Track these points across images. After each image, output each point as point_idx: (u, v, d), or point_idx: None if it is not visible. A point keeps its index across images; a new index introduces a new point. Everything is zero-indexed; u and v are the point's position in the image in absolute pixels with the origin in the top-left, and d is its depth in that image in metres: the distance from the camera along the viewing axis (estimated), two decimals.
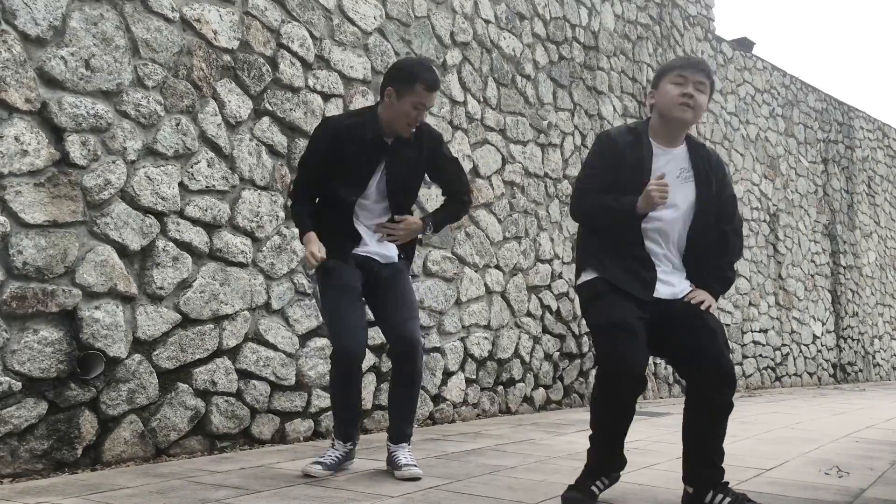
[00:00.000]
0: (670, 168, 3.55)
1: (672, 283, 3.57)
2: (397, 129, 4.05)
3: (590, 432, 3.61)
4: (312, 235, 4.04)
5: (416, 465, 4.03)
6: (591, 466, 3.59)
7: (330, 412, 5.50)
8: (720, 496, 3.42)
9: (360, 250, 4.12)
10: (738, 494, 3.44)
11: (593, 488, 3.55)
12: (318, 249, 3.95)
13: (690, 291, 3.58)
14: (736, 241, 3.74)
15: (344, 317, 4.00)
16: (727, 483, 3.50)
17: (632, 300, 3.46)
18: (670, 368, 9.61)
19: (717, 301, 3.59)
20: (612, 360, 3.39)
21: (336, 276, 4.05)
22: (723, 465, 3.51)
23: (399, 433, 4.16)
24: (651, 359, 8.86)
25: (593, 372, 8.32)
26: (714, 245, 3.65)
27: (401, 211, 4.19)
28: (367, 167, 4.06)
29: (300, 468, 4.14)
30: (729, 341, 11.03)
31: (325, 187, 4.12)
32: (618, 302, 3.46)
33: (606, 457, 3.58)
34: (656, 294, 3.51)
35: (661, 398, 9.28)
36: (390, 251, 4.19)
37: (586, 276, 3.60)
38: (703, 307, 3.52)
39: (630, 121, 9.29)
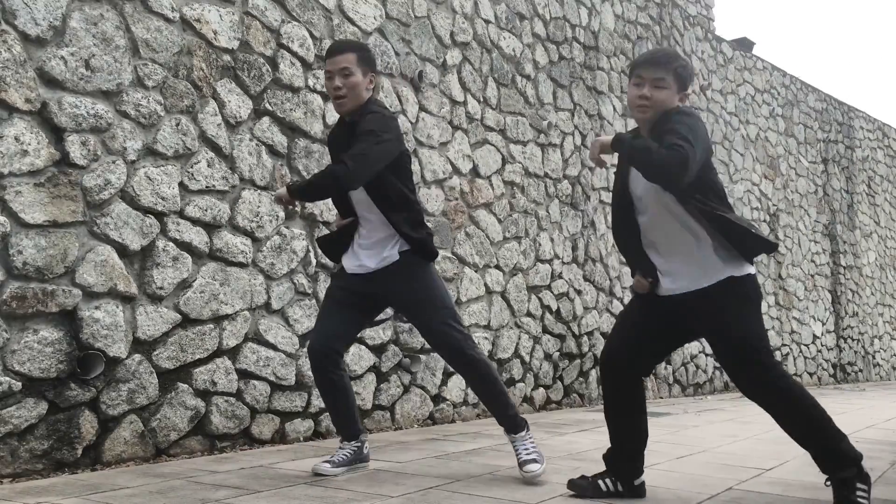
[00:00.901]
0: None
1: (675, 276, 3.51)
2: (335, 109, 4.06)
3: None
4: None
5: (536, 461, 4.05)
6: (606, 464, 3.79)
7: None
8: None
9: (347, 264, 4.11)
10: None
11: (600, 482, 3.70)
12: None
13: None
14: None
15: (318, 320, 4.19)
16: (853, 475, 3.38)
17: (642, 298, 3.64)
18: (670, 368, 9.61)
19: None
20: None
21: (332, 282, 4.26)
22: (842, 449, 3.39)
23: (505, 425, 4.17)
24: None
25: (593, 372, 8.32)
26: (704, 198, 3.45)
27: (379, 198, 3.97)
28: (341, 148, 4.00)
29: (310, 467, 4.15)
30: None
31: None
32: (632, 301, 3.75)
33: (613, 452, 3.76)
34: (662, 292, 3.54)
35: (661, 398, 9.27)
36: (384, 255, 4.03)
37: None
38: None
39: (630, 122, 9.31)
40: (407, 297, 4.06)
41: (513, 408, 4.17)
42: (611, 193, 3.81)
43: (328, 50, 4.05)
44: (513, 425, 4.15)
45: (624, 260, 8.96)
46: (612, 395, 3.70)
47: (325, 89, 5.67)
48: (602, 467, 3.93)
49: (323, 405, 5.47)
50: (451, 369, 6.55)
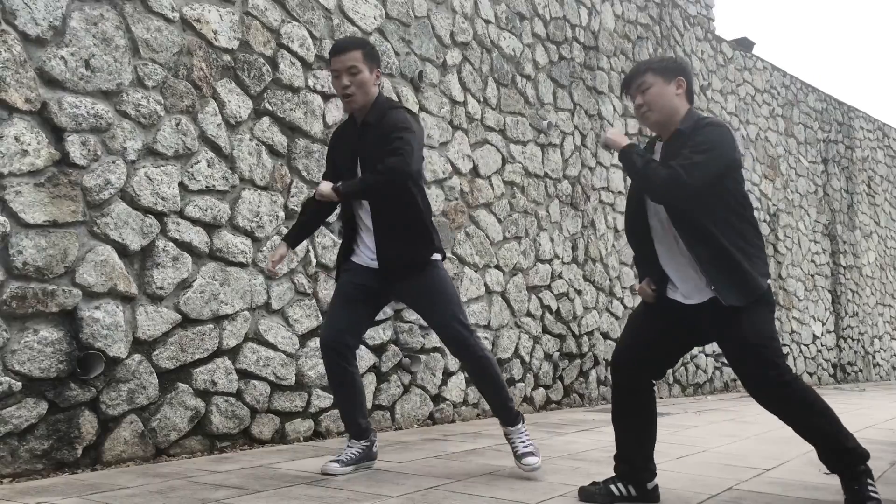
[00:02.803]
0: None
1: (686, 289, 3.51)
2: (344, 108, 4.16)
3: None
4: (281, 243, 4.30)
5: (534, 454, 4.13)
6: (617, 468, 3.69)
7: (330, 412, 5.52)
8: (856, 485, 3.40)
9: (360, 259, 4.16)
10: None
11: (612, 487, 3.61)
12: (276, 256, 4.24)
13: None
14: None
15: (329, 315, 4.21)
16: (862, 470, 3.42)
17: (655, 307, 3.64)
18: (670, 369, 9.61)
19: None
20: None
21: (340, 278, 4.24)
22: (850, 448, 3.42)
23: (502, 417, 4.22)
24: None
25: (593, 372, 8.32)
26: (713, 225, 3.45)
27: (384, 202, 4.01)
28: (350, 155, 4.10)
29: (310, 467, 4.15)
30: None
31: None
32: (643, 304, 3.71)
33: (623, 456, 3.66)
34: (677, 299, 3.55)
35: (661, 398, 9.28)
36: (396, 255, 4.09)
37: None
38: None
39: (630, 121, 9.30)
40: (421, 292, 4.11)
41: (511, 400, 4.24)
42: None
43: (333, 48, 4.05)
44: (510, 417, 4.19)
45: (624, 260, 8.97)
46: (623, 398, 3.64)
47: (325, 89, 5.67)
48: (604, 468, 3.93)
49: (323, 405, 5.48)
50: (452, 369, 6.56)
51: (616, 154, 3.49)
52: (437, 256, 4.12)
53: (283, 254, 4.24)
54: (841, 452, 3.42)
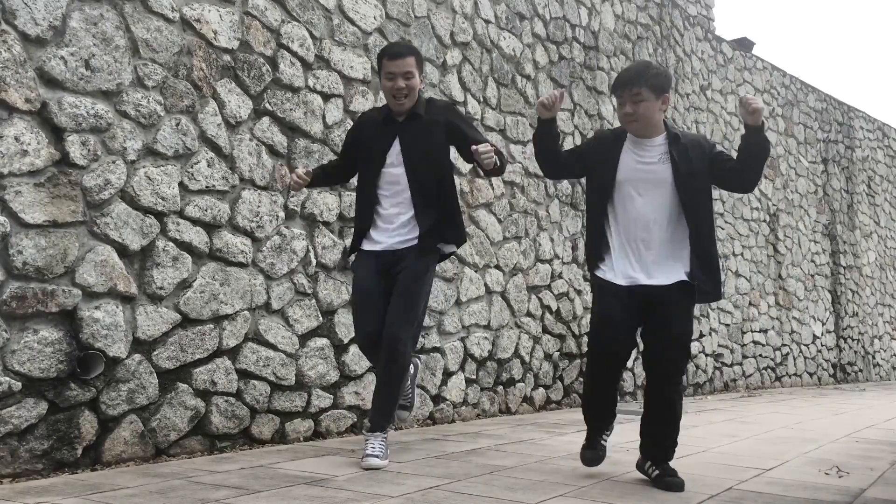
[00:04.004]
0: (651, 153, 3.99)
1: (653, 270, 3.94)
2: (391, 106, 4.47)
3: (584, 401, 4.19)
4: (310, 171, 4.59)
5: (377, 456, 4.24)
6: (593, 426, 4.14)
7: (330, 412, 5.52)
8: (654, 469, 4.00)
9: (369, 245, 4.48)
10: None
11: (603, 442, 4.15)
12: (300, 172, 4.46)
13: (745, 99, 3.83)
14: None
15: (356, 314, 4.56)
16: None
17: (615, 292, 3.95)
18: None
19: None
20: (593, 342, 4.03)
21: (355, 275, 4.58)
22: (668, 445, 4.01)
23: (378, 423, 4.42)
24: None
25: None
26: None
27: (423, 190, 4.40)
28: (382, 141, 4.45)
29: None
30: (729, 341, 11.07)
31: (354, 173, 4.70)
32: (607, 292, 3.98)
33: (602, 415, 4.12)
34: (628, 283, 3.95)
35: None
36: (408, 236, 4.43)
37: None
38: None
39: None
40: (402, 284, 4.40)
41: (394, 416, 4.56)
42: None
43: (389, 52, 4.43)
44: (379, 426, 4.40)
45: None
46: (615, 372, 4.01)
47: (324, 89, 5.67)
48: (603, 467, 3.94)
49: (323, 405, 5.48)
50: (452, 369, 6.56)
51: (754, 121, 3.82)
52: (451, 248, 4.63)
53: (306, 174, 4.46)
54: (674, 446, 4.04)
